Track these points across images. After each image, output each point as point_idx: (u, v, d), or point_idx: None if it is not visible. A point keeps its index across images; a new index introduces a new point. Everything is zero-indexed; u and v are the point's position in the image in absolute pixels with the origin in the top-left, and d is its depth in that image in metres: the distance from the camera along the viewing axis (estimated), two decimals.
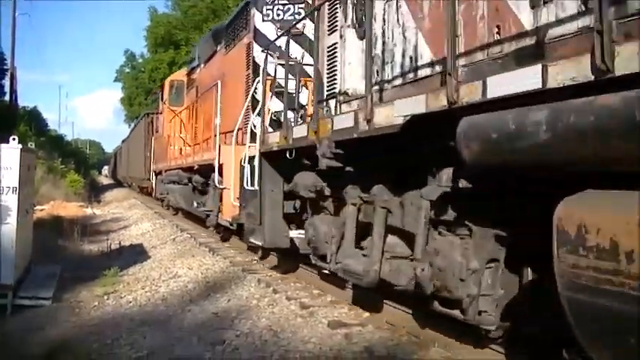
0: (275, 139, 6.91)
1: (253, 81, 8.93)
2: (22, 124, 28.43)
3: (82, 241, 12.53)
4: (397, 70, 4.84)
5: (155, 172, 20.05)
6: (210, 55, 13.90)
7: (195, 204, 13.01)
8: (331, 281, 6.81)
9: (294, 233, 7.22)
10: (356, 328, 5.41)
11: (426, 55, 4.46)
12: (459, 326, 4.63)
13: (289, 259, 8.20)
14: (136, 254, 10.85)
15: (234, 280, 7.88)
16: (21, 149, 6.61)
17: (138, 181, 27.32)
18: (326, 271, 6.40)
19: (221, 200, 10.40)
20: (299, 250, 7.28)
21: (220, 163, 10.08)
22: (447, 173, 3.86)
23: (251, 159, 7.86)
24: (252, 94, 8.66)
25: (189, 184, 13.70)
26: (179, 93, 17.57)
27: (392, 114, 4.13)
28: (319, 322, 5.66)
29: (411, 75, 4.65)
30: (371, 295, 5.88)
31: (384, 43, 5.09)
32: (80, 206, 21.57)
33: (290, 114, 7.42)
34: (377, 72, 5.20)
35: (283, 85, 7.51)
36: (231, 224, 10.01)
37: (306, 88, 7.87)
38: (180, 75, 18.69)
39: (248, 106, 8.94)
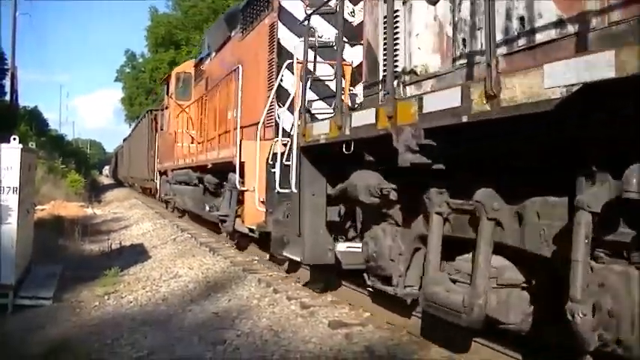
0: (322, 129, 5.53)
1: (279, 66, 7.75)
2: (23, 123, 28.24)
3: (83, 240, 12.09)
4: (498, 37, 3.50)
5: (160, 171, 18.28)
6: (222, 43, 12.15)
7: (207, 207, 11.34)
8: (383, 303, 5.56)
9: (342, 247, 5.86)
10: (356, 327, 5.26)
11: (548, 12, 3.24)
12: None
13: (325, 273, 6.79)
14: (136, 254, 10.46)
15: (234, 280, 7.64)
16: (21, 149, 6.41)
17: (140, 181, 25.94)
18: (368, 289, 5.43)
19: (240, 204, 9.05)
20: (341, 264, 6.02)
21: (241, 161, 8.50)
22: (637, 172, 2.58)
23: (280, 156, 6.80)
24: (279, 82, 7.53)
25: (200, 186, 12.10)
26: (187, 86, 15.83)
27: (538, 84, 2.81)
28: (320, 322, 5.51)
29: (521, 41, 3.43)
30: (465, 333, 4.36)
31: (472, 3, 3.87)
32: (81, 206, 21.02)
33: (322, 104, 6.32)
34: (462, 42, 4.00)
35: (316, 69, 6.52)
36: (251, 231, 8.58)
37: (342, 75, 6.84)
38: (187, 66, 16.79)
39: (273, 95, 7.73)
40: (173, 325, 5.73)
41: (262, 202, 7.67)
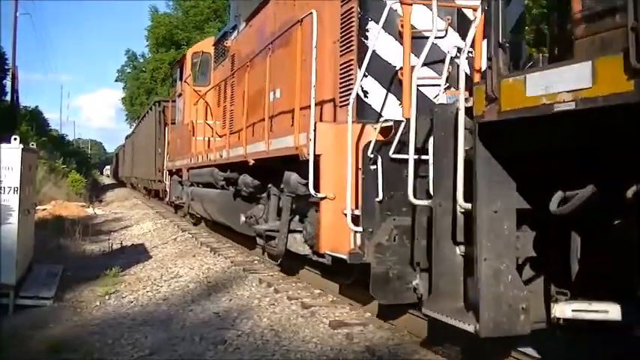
0: (561, 84, 2.80)
1: (361, 20, 5.65)
2: (24, 123, 28.49)
3: (84, 240, 12.02)
4: None
5: (171, 171, 15.50)
6: (257, 7, 9.19)
7: (243, 218, 8.67)
8: None
9: (564, 310, 3.41)
10: (357, 327, 5.26)
11: None
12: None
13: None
14: (137, 254, 10.41)
15: (235, 280, 7.63)
16: (22, 149, 6.37)
17: (145, 182, 23.86)
18: None
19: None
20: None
21: (317, 153, 5.63)
22: None
23: (372, 147, 4.98)
24: (364, 41, 5.54)
25: (230, 188, 9.29)
26: (206, 68, 13.18)
27: None
28: (320, 322, 5.53)
29: None
30: None
31: None
32: (82, 206, 21.00)
33: (426, 72, 4.95)
34: None
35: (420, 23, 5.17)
36: (319, 256, 5.81)
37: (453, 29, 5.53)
38: (206, 45, 13.72)
39: (361, 61, 5.35)
40: (174, 324, 5.73)
41: (354, 217, 5.21)
